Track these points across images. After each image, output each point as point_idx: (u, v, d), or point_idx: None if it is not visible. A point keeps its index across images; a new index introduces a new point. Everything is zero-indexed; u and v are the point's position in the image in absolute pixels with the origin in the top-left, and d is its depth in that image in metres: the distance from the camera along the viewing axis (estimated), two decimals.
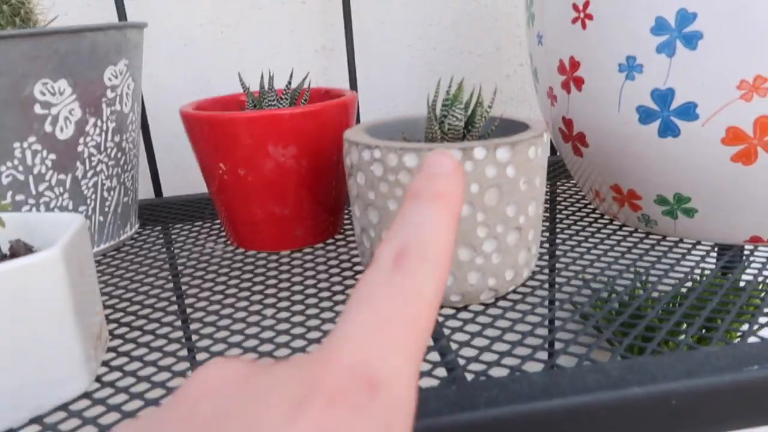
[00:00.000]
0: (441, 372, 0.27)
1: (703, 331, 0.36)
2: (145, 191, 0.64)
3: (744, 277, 0.35)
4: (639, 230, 0.43)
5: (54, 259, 0.25)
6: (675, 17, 0.32)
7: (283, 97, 0.43)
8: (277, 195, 0.41)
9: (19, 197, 0.38)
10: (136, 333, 0.33)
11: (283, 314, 0.34)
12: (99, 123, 0.41)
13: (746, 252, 0.38)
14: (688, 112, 0.34)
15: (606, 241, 0.41)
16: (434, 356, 0.29)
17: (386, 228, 0.32)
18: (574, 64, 0.38)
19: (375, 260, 0.15)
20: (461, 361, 0.28)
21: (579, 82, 0.38)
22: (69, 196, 0.41)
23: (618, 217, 0.44)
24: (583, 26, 0.36)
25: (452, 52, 0.67)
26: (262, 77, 0.44)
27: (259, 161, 0.39)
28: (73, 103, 0.39)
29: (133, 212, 0.48)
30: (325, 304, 0.35)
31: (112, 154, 0.43)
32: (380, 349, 0.14)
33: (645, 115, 0.35)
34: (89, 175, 0.41)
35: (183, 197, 0.60)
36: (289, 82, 0.44)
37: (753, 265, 0.36)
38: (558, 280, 0.36)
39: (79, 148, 0.40)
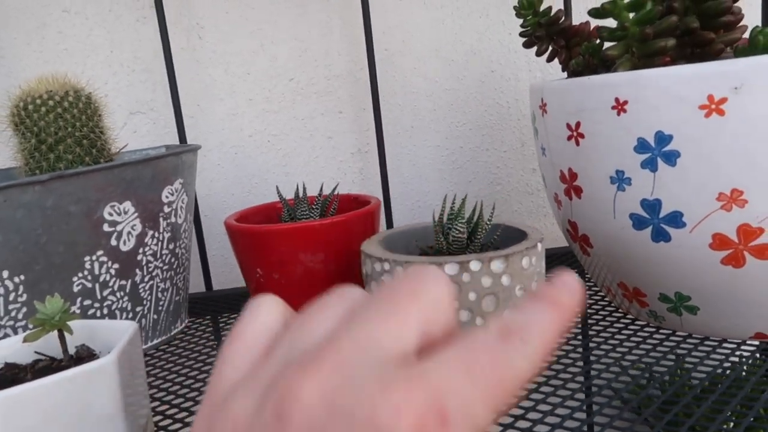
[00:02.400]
0: None
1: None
2: (196, 285, 0.70)
3: None
4: (650, 324, 0.44)
5: (110, 365, 0.30)
6: (654, 138, 0.36)
7: (314, 206, 0.49)
8: (307, 295, 0.45)
9: (87, 302, 0.44)
10: (179, 425, 0.37)
11: None
12: (156, 234, 0.47)
13: None
14: (676, 220, 0.37)
15: (617, 336, 0.43)
16: None
17: None
18: (573, 175, 0.42)
19: (485, 327, 0.17)
20: None
21: (578, 191, 0.42)
22: (128, 299, 0.46)
23: (630, 312, 0.46)
24: (577, 143, 0.40)
25: (478, 150, 0.72)
26: (297, 188, 0.50)
27: (291, 266, 0.44)
28: (135, 220, 0.45)
29: (183, 309, 0.53)
30: None
31: (167, 260, 0.49)
32: (463, 390, 0.14)
33: (638, 222, 0.38)
34: (146, 279, 0.47)
35: (230, 290, 0.66)
36: (320, 192, 0.49)
37: None
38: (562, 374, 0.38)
39: (139, 257, 0.46)
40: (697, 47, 0.39)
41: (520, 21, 0.60)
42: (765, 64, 0.32)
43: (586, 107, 0.39)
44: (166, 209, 0.48)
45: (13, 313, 0.39)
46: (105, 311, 0.45)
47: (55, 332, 0.34)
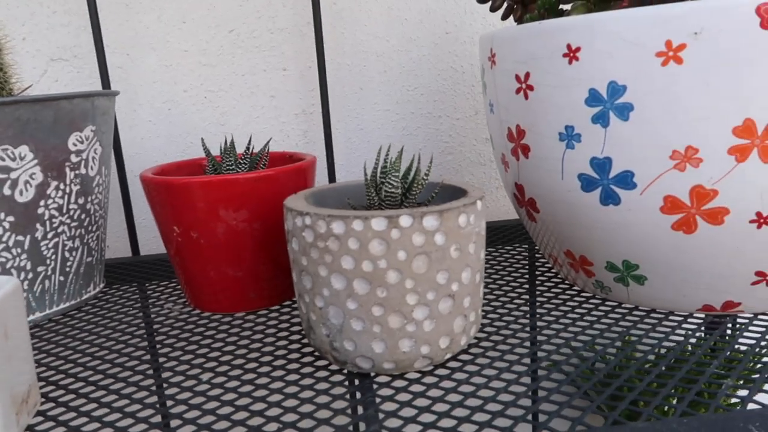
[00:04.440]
0: None
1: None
2: (122, 250, 0.65)
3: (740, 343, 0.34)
4: (596, 296, 0.42)
5: None
6: (606, 89, 0.33)
7: (242, 161, 0.44)
8: (230, 257, 0.41)
9: None
10: (73, 397, 0.33)
11: (220, 379, 0.34)
12: (62, 186, 0.42)
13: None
14: (626, 180, 0.34)
15: (561, 308, 0.41)
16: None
17: (318, 294, 0.32)
18: (521, 132, 0.39)
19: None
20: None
21: (526, 150, 0.39)
22: (27, 257, 0.41)
23: (576, 283, 0.43)
24: (526, 97, 0.37)
25: (430, 117, 0.69)
26: (224, 141, 0.45)
27: (212, 224, 0.40)
28: (34, 168, 0.40)
29: (97, 272, 0.48)
30: (264, 369, 0.35)
31: (75, 216, 0.44)
32: None
33: (586, 183, 0.36)
34: (49, 236, 0.42)
35: (159, 255, 0.61)
36: (248, 147, 0.45)
37: (743, 328, 0.35)
38: (505, 345, 0.36)
39: (40, 210, 0.41)
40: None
41: None
42: (728, 6, 0.29)
43: (536, 56, 0.35)
44: (74, 158, 0.43)
45: None
46: None
47: None
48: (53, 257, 0.43)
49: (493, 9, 0.52)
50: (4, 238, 0.40)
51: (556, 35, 0.34)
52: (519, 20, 0.52)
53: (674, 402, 0.29)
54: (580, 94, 0.34)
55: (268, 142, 0.47)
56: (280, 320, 0.42)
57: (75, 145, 0.43)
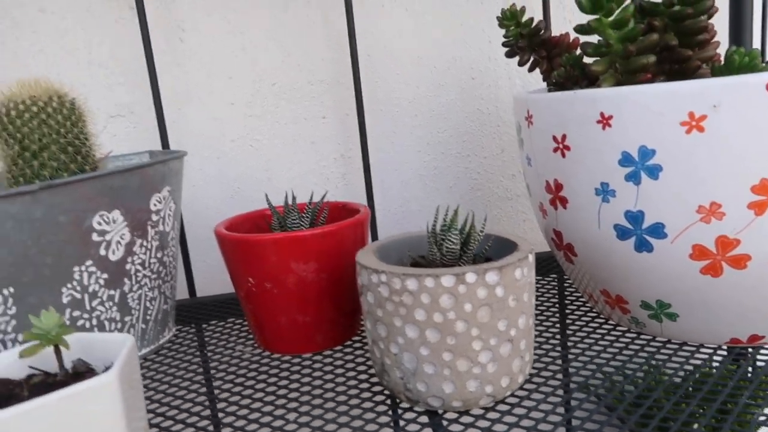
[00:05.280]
0: None
1: (713, 421, 0.39)
2: (180, 292, 0.70)
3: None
4: (631, 330, 0.46)
5: (112, 381, 0.30)
6: (637, 152, 0.37)
7: (304, 214, 0.49)
8: (300, 305, 0.46)
9: (76, 313, 0.43)
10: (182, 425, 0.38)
11: (304, 418, 0.38)
12: (144, 243, 0.47)
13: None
14: (658, 231, 0.38)
15: (600, 342, 0.45)
16: None
17: (393, 341, 0.36)
18: (558, 186, 0.43)
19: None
20: None
21: (564, 201, 0.43)
22: (117, 309, 0.46)
23: (611, 318, 0.48)
24: (563, 155, 0.42)
25: (460, 156, 0.74)
26: (286, 196, 0.50)
27: (284, 276, 0.44)
28: (124, 229, 0.45)
29: (171, 317, 0.53)
30: (342, 408, 0.39)
31: (155, 269, 0.49)
32: None
33: (621, 233, 0.40)
34: (135, 289, 0.47)
35: (214, 297, 0.65)
36: (311, 200, 0.49)
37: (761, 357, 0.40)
38: (550, 380, 0.40)
39: (127, 266, 0.46)
40: (675, 63, 0.41)
41: (502, 30, 0.61)
42: (741, 83, 0.34)
43: (572, 120, 0.40)
44: (155, 217, 0.48)
45: (2, 326, 0.39)
46: (94, 322, 0.45)
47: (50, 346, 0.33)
48: (137, 307, 0.48)
49: (521, 64, 0.57)
50: (100, 293, 0.45)
51: (589, 104, 0.39)
52: (545, 73, 0.57)
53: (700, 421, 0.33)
54: (614, 155, 0.38)
55: (325, 195, 0.52)
56: (345, 360, 0.46)
57: (155, 205, 0.48)
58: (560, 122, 0.41)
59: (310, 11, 0.68)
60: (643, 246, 0.39)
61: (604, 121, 0.38)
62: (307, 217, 0.49)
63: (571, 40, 0.57)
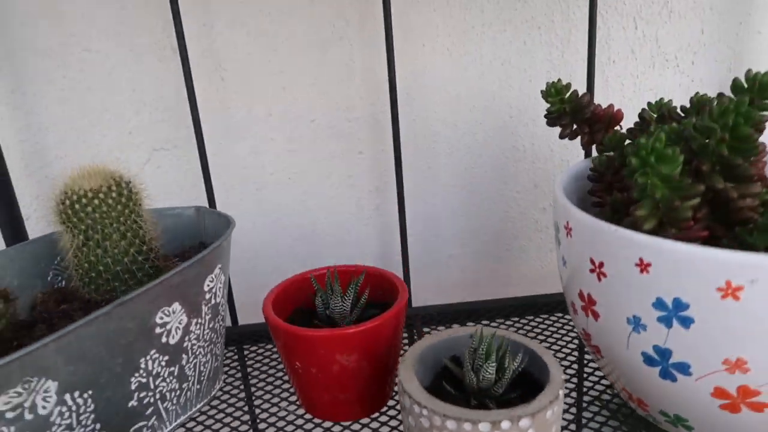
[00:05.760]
0: None
1: None
2: None
3: None
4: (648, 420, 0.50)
5: None
6: (672, 302, 0.39)
7: (346, 295, 0.52)
8: (341, 387, 0.50)
9: (142, 394, 0.48)
10: None
11: None
12: (199, 320, 0.51)
13: None
14: (683, 368, 0.41)
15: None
16: None
17: None
18: (591, 300, 0.45)
19: None
20: None
21: (596, 315, 0.46)
22: (176, 381, 0.51)
23: (629, 404, 0.51)
24: (599, 279, 0.44)
25: (492, 191, 0.75)
26: (327, 276, 0.53)
27: (329, 365, 0.48)
28: (182, 315, 0.49)
29: (220, 370, 0.58)
30: None
31: (208, 338, 0.53)
32: None
33: (648, 360, 0.43)
34: (191, 360, 0.51)
35: (255, 325, 0.70)
36: (350, 282, 0.52)
37: None
38: None
39: (185, 345, 0.50)
40: (719, 205, 0.41)
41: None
42: None
43: (611, 256, 0.42)
44: (207, 296, 0.51)
45: (83, 421, 0.43)
46: (157, 396, 0.49)
47: None
48: (193, 374, 0.52)
49: (561, 136, 0.58)
50: (162, 373, 0.49)
51: (630, 247, 0.40)
52: (586, 146, 0.57)
53: None
54: (649, 298, 0.40)
55: (363, 274, 0.54)
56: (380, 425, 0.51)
57: (208, 285, 0.51)
58: (599, 251, 0.43)
59: (350, 50, 0.67)
60: (667, 376, 0.42)
61: (643, 266, 0.40)
62: (349, 297, 0.52)
63: (615, 111, 0.57)
